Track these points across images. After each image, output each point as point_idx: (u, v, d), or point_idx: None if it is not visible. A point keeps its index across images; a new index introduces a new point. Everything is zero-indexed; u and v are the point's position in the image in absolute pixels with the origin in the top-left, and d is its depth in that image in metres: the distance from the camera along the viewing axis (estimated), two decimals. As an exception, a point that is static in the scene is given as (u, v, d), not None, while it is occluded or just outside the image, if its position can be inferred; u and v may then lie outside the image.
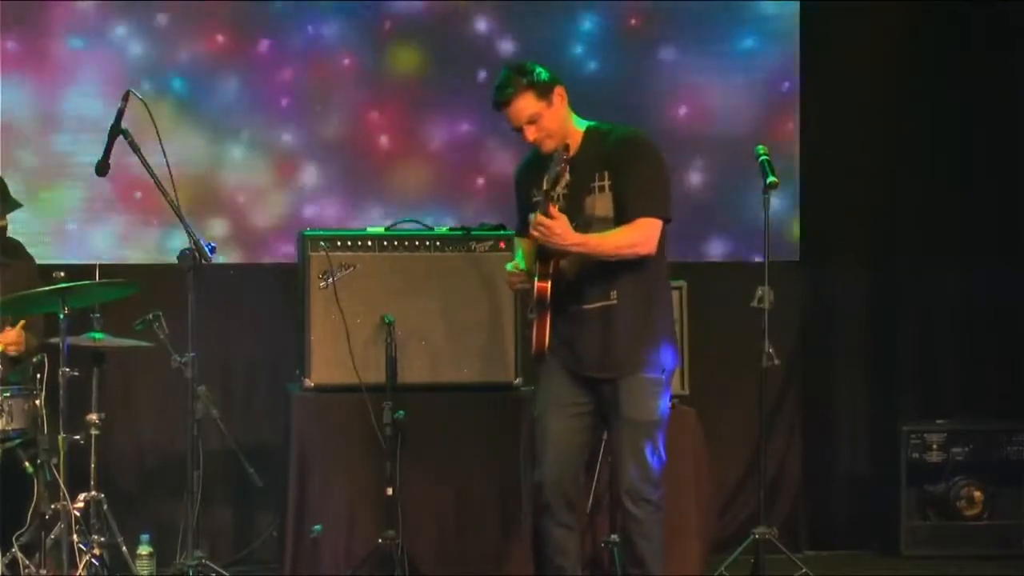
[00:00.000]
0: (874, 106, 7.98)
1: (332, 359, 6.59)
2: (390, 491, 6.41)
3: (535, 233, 5.55)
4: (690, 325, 6.78)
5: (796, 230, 7.93)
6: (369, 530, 6.51)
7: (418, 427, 6.50)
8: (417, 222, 6.94)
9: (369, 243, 6.70)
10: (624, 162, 5.62)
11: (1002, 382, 7.96)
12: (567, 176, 5.48)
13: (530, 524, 6.03)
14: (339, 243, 6.68)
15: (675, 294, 6.76)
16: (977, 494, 7.61)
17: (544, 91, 5.64)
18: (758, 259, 6.83)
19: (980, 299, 8.03)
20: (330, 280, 6.62)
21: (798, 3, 7.93)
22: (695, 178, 7.87)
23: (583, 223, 5.60)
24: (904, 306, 8.06)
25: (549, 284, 5.62)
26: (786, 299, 7.10)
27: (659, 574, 5.69)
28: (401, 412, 6.41)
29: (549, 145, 5.63)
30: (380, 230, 6.80)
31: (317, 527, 6.53)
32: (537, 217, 5.53)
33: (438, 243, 6.74)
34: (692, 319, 6.81)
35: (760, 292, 6.58)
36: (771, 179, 6.57)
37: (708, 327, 7.18)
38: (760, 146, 6.74)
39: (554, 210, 5.50)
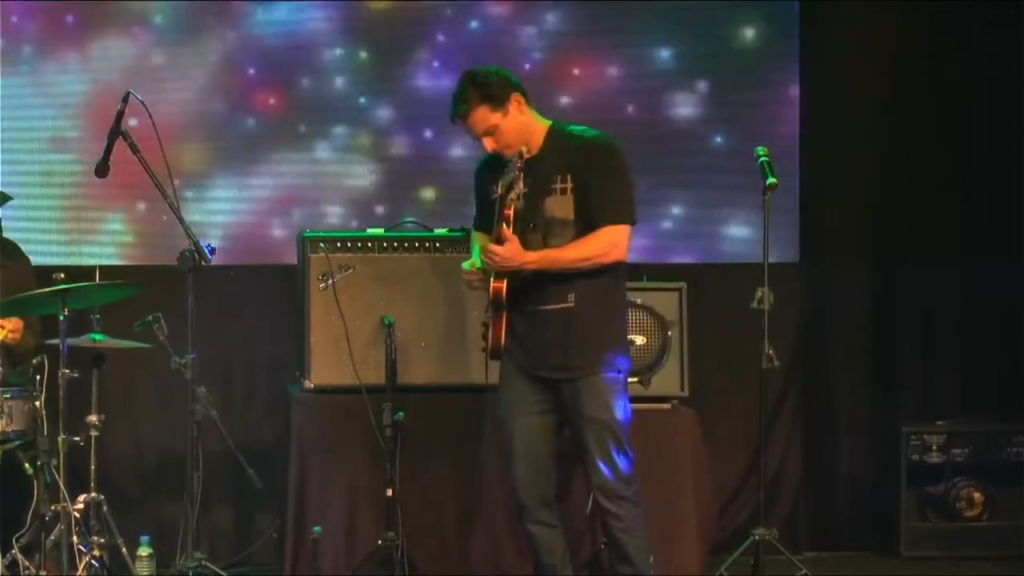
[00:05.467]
0: (874, 106, 7.98)
1: (332, 360, 6.60)
2: (390, 492, 6.41)
3: (486, 262, 5.55)
4: (690, 326, 6.79)
5: (796, 230, 7.93)
6: (369, 530, 6.52)
7: (418, 428, 6.50)
8: (417, 223, 6.94)
9: (369, 244, 6.70)
10: (589, 169, 5.60)
11: (1002, 382, 7.94)
12: (520, 185, 5.46)
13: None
14: (339, 244, 6.68)
15: (675, 295, 6.78)
16: (977, 495, 7.60)
17: (499, 102, 5.60)
18: (758, 260, 6.82)
19: (980, 299, 8.01)
20: (330, 281, 6.61)
21: (798, 3, 7.93)
22: (694, 179, 7.87)
23: (541, 224, 5.60)
24: (904, 306, 8.05)
25: (504, 284, 5.61)
26: (786, 300, 7.09)
27: (647, 569, 5.71)
28: (401, 413, 6.40)
29: (509, 153, 5.59)
30: (380, 231, 6.79)
31: (317, 528, 6.54)
32: (488, 247, 5.53)
33: (438, 244, 6.73)
34: (692, 320, 6.81)
35: (760, 293, 6.56)
36: (771, 180, 6.56)
37: (708, 328, 7.19)
38: (760, 147, 6.73)
39: (506, 232, 5.48)
